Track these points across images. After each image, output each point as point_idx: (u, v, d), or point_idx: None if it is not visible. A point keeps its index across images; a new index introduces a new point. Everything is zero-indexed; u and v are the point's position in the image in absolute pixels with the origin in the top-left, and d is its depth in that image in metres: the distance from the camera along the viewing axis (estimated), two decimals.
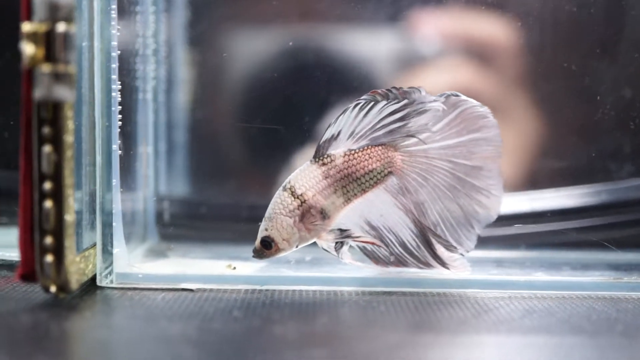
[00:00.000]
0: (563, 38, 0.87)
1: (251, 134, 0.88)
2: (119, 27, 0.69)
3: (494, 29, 0.86)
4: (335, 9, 0.89)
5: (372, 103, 0.70)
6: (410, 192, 0.71)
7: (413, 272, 0.72)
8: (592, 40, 0.86)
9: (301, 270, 0.74)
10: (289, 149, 0.86)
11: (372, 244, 0.71)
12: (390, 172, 0.71)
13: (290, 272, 0.73)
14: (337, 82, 0.86)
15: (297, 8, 0.89)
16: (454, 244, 0.72)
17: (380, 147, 0.71)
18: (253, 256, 0.72)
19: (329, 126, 0.71)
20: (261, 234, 0.71)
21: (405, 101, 0.70)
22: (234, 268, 0.73)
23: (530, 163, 0.88)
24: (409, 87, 0.70)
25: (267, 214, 0.71)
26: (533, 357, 0.55)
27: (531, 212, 0.86)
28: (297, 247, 0.71)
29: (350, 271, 0.73)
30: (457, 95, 0.71)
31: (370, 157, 0.71)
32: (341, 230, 0.71)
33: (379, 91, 0.70)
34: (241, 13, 0.90)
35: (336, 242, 0.71)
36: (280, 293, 0.69)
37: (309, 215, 0.70)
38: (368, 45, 0.87)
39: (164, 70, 0.86)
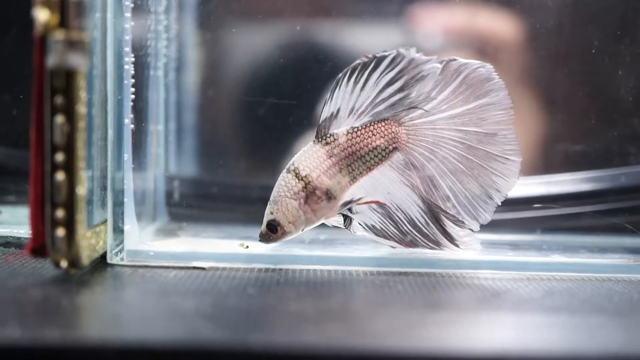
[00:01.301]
0: (579, 18, 0.85)
1: (262, 114, 0.87)
2: None
3: (497, 22, 0.85)
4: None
5: (365, 73, 0.68)
6: (417, 167, 0.70)
7: (425, 252, 0.70)
8: (609, 21, 0.85)
9: (315, 249, 0.73)
10: (300, 129, 0.85)
11: (377, 202, 0.69)
12: (395, 148, 0.69)
13: (305, 252, 0.72)
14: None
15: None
16: (466, 217, 0.69)
17: (383, 123, 0.69)
18: (259, 240, 0.70)
19: (325, 103, 0.69)
20: (267, 217, 0.70)
21: (400, 67, 0.68)
22: (247, 247, 0.72)
23: (546, 149, 0.87)
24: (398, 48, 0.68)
25: (272, 197, 0.70)
26: (557, 336, 0.54)
27: (548, 196, 0.84)
28: (303, 230, 0.70)
29: (365, 251, 0.72)
30: (455, 60, 0.69)
31: (373, 134, 0.69)
32: (344, 203, 0.69)
33: (367, 56, 0.68)
34: None
35: (345, 218, 0.70)
36: (294, 272, 0.68)
37: (315, 197, 0.69)
38: (373, 38, 0.86)
39: (174, 48, 0.85)
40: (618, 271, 0.71)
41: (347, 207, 0.69)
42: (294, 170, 0.69)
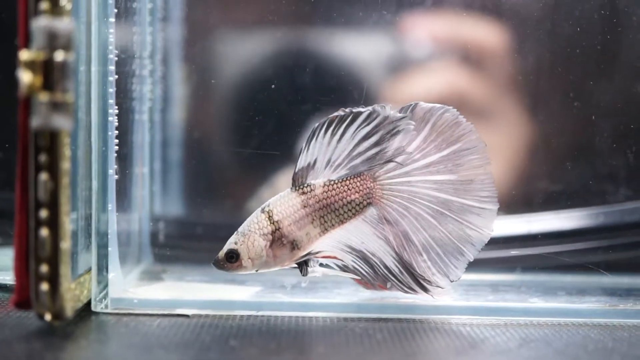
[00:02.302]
0: (559, 60, 0.87)
1: (247, 154, 0.87)
2: (116, 51, 0.68)
3: (487, 33, 0.86)
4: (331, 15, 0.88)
5: (342, 126, 0.69)
6: (391, 223, 0.71)
7: (400, 296, 0.71)
8: (589, 58, 0.86)
9: (297, 296, 0.74)
10: (286, 169, 0.86)
11: (334, 257, 0.71)
12: (369, 203, 0.71)
13: (286, 298, 0.73)
14: (335, 94, 0.86)
15: (296, 28, 0.89)
16: (436, 274, 0.70)
17: (359, 178, 0.70)
18: (212, 263, 0.71)
19: (301, 152, 0.70)
20: (229, 245, 0.71)
21: (375, 122, 0.69)
22: None
23: (525, 180, 0.88)
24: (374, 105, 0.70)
25: (240, 229, 0.71)
26: None
27: (527, 235, 0.86)
28: (257, 271, 0.71)
29: (346, 296, 0.73)
30: (417, 104, 0.70)
31: (349, 189, 0.70)
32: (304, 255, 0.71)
33: (344, 110, 0.70)
34: (238, 33, 0.89)
35: (300, 266, 0.71)
36: (276, 319, 0.69)
37: (280, 244, 0.70)
38: (362, 50, 0.87)
39: (159, 89, 0.86)
40: (594, 315, 0.72)
41: (305, 258, 0.71)
42: (268, 212, 0.71)
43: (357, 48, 0.87)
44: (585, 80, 0.86)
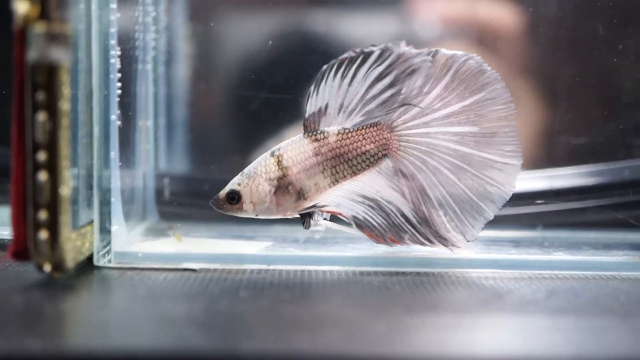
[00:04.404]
0: (582, 7, 0.83)
1: (254, 109, 0.84)
2: None
3: (497, 10, 0.83)
4: None
5: (352, 67, 0.65)
6: (407, 176, 0.67)
7: (420, 249, 0.68)
8: (613, 11, 0.82)
9: (310, 249, 0.70)
10: (293, 124, 0.82)
11: (339, 214, 0.67)
12: (384, 155, 0.67)
13: (299, 251, 0.69)
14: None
15: None
16: (452, 231, 0.67)
17: (375, 128, 0.66)
18: (210, 202, 0.68)
19: (309, 96, 0.66)
20: (232, 186, 0.67)
21: (389, 61, 0.65)
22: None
23: (548, 143, 0.84)
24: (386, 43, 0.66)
25: (246, 170, 0.67)
26: (564, 339, 0.52)
27: (550, 190, 0.82)
28: (257, 216, 0.68)
29: (361, 250, 0.70)
30: (439, 51, 0.66)
31: (364, 138, 0.66)
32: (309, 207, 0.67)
33: (354, 50, 0.66)
34: None
35: (303, 218, 0.67)
36: (288, 273, 0.66)
37: (286, 191, 0.67)
38: (369, 28, 0.84)
39: (163, 40, 0.82)
40: (623, 269, 0.68)
41: (309, 210, 0.67)
42: (277, 157, 0.67)
43: (367, 28, 0.84)
44: (610, 30, 0.83)
